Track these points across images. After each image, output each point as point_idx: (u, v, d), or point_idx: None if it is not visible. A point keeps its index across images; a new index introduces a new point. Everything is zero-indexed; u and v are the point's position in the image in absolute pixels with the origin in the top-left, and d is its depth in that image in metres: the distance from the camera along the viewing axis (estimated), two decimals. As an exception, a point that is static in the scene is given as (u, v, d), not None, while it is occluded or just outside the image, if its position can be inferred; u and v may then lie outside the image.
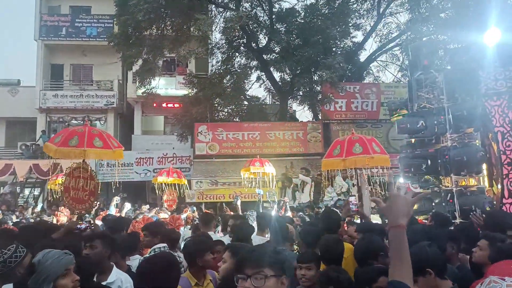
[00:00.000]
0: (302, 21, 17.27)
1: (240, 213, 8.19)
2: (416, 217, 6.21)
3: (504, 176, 6.68)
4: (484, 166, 7.77)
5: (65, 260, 2.18)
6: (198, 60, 19.69)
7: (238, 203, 8.99)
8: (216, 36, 19.20)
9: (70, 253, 2.24)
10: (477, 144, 7.77)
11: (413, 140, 8.99)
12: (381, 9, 19.25)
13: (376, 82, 20.48)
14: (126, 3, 15.29)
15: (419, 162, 8.22)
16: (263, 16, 18.71)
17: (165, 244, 3.95)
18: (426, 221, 6.04)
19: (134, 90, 19.42)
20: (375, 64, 21.34)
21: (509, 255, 2.69)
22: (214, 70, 19.12)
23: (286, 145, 16.97)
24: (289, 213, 8.13)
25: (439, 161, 7.82)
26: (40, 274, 2.12)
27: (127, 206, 8.95)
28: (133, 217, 8.67)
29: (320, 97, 17.31)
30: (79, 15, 21.52)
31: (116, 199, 8.88)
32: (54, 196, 12.83)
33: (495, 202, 7.10)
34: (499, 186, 6.96)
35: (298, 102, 18.77)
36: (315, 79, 17.26)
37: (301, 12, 17.83)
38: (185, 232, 6.98)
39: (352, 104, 17.83)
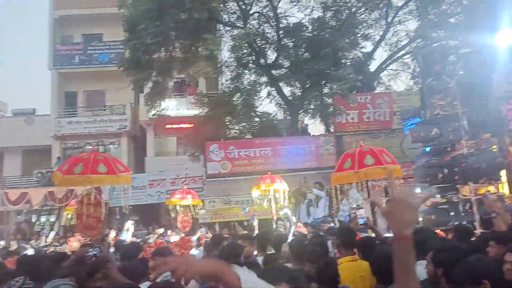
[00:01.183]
0: (310, 34, 17.20)
1: (256, 232, 7.97)
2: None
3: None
4: (503, 172, 7.46)
5: None
6: (209, 79, 19.78)
7: (255, 223, 8.76)
8: (225, 54, 19.32)
9: None
10: (495, 150, 7.48)
11: (427, 148, 8.73)
12: (390, 18, 19.10)
13: (388, 91, 20.22)
14: (135, 28, 15.53)
15: (435, 171, 7.96)
16: (271, 32, 18.74)
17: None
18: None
19: (146, 113, 19.59)
20: (386, 73, 21.15)
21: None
22: (223, 88, 19.16)
23: (299, 159, 16.75)
24: (302, 229, 7.89)
25: (456, 169, 7.55)
26: None
27: (131, 228, 8.63)
28: (139, 240, 8.51)
29: (332, 109, 17.12)
30: (91, 43, 21.97)
31: (129, 223, 8.74)
32: (70, 223, 12.84)
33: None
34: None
35: (309, 115, 18.61)
36: (326, 91, 17.10)
37: (308, 26, 17.79)
38: (197, 254, 6.84)
39: (364, 115, 17.58)
